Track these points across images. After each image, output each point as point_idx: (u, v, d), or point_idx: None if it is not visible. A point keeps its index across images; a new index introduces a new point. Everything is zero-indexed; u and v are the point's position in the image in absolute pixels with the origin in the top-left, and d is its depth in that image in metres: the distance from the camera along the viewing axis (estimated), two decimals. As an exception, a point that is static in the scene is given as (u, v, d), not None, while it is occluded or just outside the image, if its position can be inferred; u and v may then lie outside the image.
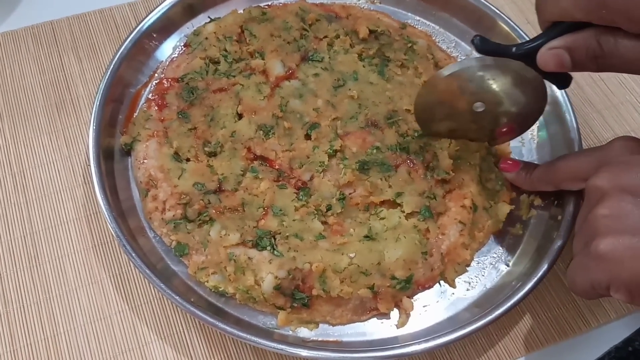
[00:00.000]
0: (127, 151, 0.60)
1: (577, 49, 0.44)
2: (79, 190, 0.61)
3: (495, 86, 0.51)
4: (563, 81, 0.51)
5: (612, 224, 0.42)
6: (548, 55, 0.46)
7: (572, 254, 0.47)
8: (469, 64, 0.50)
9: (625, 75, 0.72)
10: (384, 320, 0.54)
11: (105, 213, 0.54)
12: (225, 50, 0.65)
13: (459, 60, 0.69)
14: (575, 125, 0.61)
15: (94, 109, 0.59)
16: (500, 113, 0.54)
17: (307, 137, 0.60)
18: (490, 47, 0.49)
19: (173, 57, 0.67)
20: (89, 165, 0.56)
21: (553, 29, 0.46)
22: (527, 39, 0.49)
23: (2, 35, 0.70)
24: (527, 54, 0.48)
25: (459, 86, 0.52)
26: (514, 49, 0.49)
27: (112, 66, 0.62)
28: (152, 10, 0.66)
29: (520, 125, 0.57)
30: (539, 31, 0.71)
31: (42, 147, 0.63)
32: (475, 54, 0.51)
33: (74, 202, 0.60)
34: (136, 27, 0.64)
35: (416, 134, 0.61)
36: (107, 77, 0.61)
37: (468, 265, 0.57)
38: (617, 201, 0.42)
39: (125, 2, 0.73)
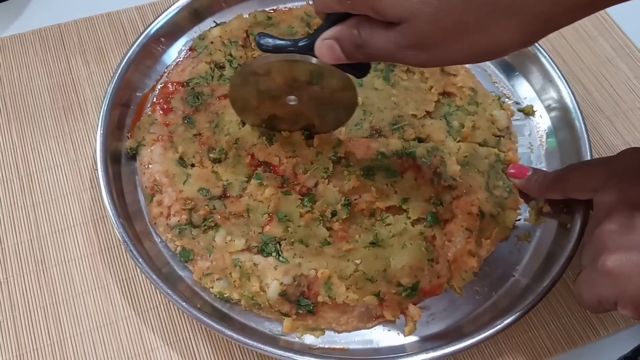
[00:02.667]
0: (133, 155, 0.60)
1: (343, 38, 0.44)
2: (86, 194, 0.61)
3: (298, 79, 0.51)
4: (360, 70, 0.49)
5: (619, 239, 0.42)
6: (321, 47, 0.45)
7: (580, 267, 0.46)
8: (267, 59, 0.50)
9: (634, 81, 0.72)
10: (390, 328, 0.54)
11: (113, 218, 0.54)
12: (231, 55, 0.65)
13: (466, 65, 0.69)
14: (584, 132, 0.61)
15: (101, 113, 0.59)
16: (314, 104, 0.55)
17: (310, 143, 0.60)
18: (269, 45, 0.49)
19: (178, 61, 0.67)
20: (96, 169, 0.56)
21: (327, 19, 0.45)
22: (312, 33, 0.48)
23: (10, 39, 0.70)
24: (308, 47, 0.47)
25: (265, 80, 0.52)
26: (298, 43, 0.48)
27: (119, 70, 0.62)
28: (160, 15, 0.66)
29: (339, 115, 0.57)
30: (550, 37, 0.71)
31: (49, 151, 0.64)
32: None
33: (81, 206, 0.60)
34: (144, 31, 0.64)
35: (419, 140, 0.61)
36: (114, 80, 0.61)
37: (475, 273, 0.57)
38: (625, 216, 0.42)
39: (133, 5, 0.73)
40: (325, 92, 0.53)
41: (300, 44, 0.48)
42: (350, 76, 0.50)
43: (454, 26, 0.38)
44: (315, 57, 0.47)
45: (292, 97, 0.54)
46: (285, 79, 0.52)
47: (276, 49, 0.49)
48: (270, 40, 0.49)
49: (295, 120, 0.58)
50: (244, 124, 0.61)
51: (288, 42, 0.49)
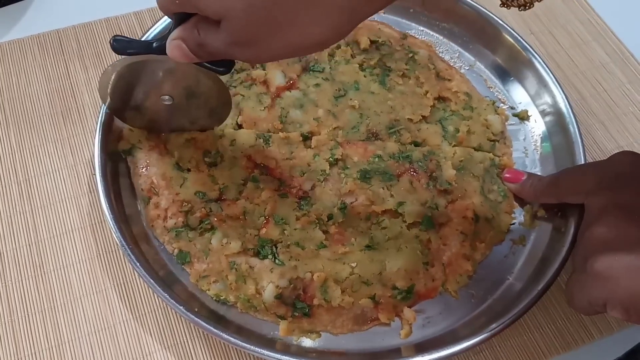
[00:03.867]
0: (130, 158, 0.61)
1: (187, 38, 0.44)
2: (84, 198, 0.61)
3: (167, 80, 0.52)
4: (222, 66, 0.48)
5: (608, 241, 0.42)
6: (170, 47, 0.45)
7: (572, 269, 0.47)
8: (128, 61, 0.50)
9: (628, 86, 0.72)
10: (386, 331, 0.54)
11: (111, 222, 0.54)
12: (228, 60, 0.66)
13: (461, 70, 0.69)
14: (578, 136, 0.61)
15: (99, 118, 0.59)
16: (190, 104, 0.55)
17: (307, 145, 0.60)
18: (127, 49, 0.48)
19: (176, 67, 0.67)
20: (94, 174, 0.57)
21: (174, 20, 0.45)
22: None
23: (9, 44, 0.71)
24: (162, 48, 0.46)
25: (133, 81, 0.52)
26: (150, 45, 0.48)
27: (117, 75, 0.62)
28: (158, 20, 0.66)
29: (219, 112, 0.58)
30: (543, 42, 0.71)
31: (47, 155, 0.64)
32: None
33: (79, 211, 0.61)
34: (142, 37, 0.65)
35: (415, 144, 0.61)
36: (112, 86, 0.61)
37: (470, 276, 0.57)
38: (614, 219, 0.43)
39: (131, 11, 0.74)
40: (195, 89, 0.53)
41: (154, 46, 0.47)
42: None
43: (266, 22, 0.38)
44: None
45: (166, 96, 0.54)
46: (150, 79, 0.52)
47: (131, 52, 0.48)
48: (124, 42, 0.48)
49: (178, 119, 0.58)
50: (239, 126, 0.61)
51: (142, 44, 0.48)
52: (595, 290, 0.43)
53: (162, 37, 0.47)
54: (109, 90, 0.55)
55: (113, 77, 0.52)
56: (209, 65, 0.48)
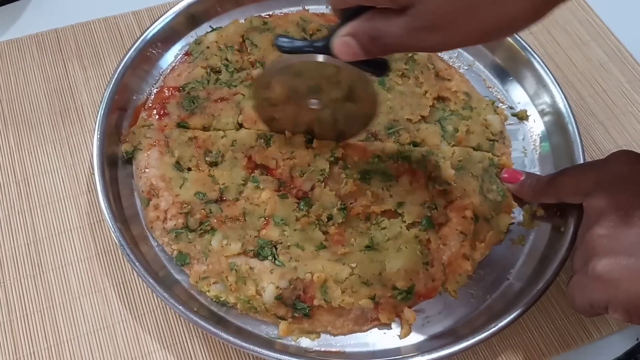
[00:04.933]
0: (129, 159, 0.61)
1: (359, 33, 0.44)
2: (83, 198, 0.61)
3: (319, 81, 0.51)
4: (378, 68, 0.49)
5: (609, 244, 0.42)
6: (338, 44, 0.45)
7: (572, 271, 0.47)
8: (286, 62, 0.50)
9: (627, 86, 0.72)
10: (386, 331, 0.54)
11: (109, 222, 0.54)
12: (227, 60, 0.65)
13: (460, 70, 0.69)
14: (577, 136, 0.61)
15: (98, 117, 0.59)
16: (336, 107, 0.55)
17: (308, 145, 0.60)
18: (292, 46, 0.49)
19: (174, 66, 0.67)
20: (93, 173, 0.57)
21: (343, 16, 0.45)
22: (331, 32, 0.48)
23: (7, 43, 0.71)
24: (326, 47, 0.47)
25: (285, 84, 0.52)
26: (315, 44, 0.48)
27: (116, 74, 0.62)
28: (156, 20, 0.66)
29: (361, 118, 0.57)
30: (542, 41, 0.71)
31: (46, 155, 0.64)
32: None
33: (78, 210, 0.61)
34: (140, 36, 0.65)
35: (414, 144, 0.61)
36: (111, 85, 0.61)
37: (469, 276, 0.57)
38: (614, 221, 0.43)
39: (129, 10, 0.74)
40: (346, 93, 0.52)
41: (317, 44, 0.48)
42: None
43: (464, 2, 0.37)
44: (334, 56, 0.46)
45: (314, 100, 0.53)
46: (305, 81, 0.51)
47: (294, 50, 0.49)
48: (287, 41, 0.49)
49: (318, 125, 0.58)
50: (240, 125, 0.61)
51: (305, 43, 0.49)
52: (596, 292, 0.43)
53: (323, 37, 0.47)
54: (259, 91, 0.54)
55: (268, 77, 0.52)
56: (366, 67, 0.48)
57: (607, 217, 0.43)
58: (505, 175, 0.59)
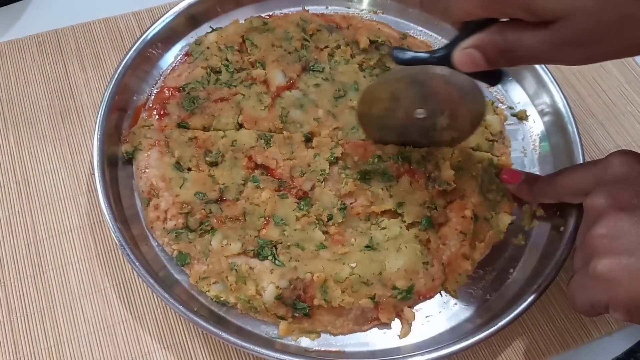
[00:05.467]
0: (130, 159, 0.61)
1: (486, 46, 0.44)
2: (83, 198, 0.61)
3: (430, 92, 0.52)
4: (493, 78, 0.50)
5: (609, 244, 0.42)
6: (461, 56, 0.46)
7: (573, 271, 0.47)
8: (399, 73, 0.50)
9: (626, 86, 0.73)
10: (386, 331, 0.54)
11: (110, 222, 0.54)
12: (227, 60, 0.66)
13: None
14: (577, 136, 0.61)
15: (98, 118, 0.59)
16: (441, 117, 0.55)
17: (308, 145, 0.60)
18: (409, 57, 0.50)
19: (174, 66, 0.67)
20: (93, 173, 0.57)
21: (465, 29, 0.46)
22: (444, 45, 0.49)
23: (7, 44, 0.71)
24: (445, 57, 0.48)
25: (395, 95, 0.53)
26: (432, 55, 0.49)
27: (116, 75, 0.62)
28: (157, 20, 0.66)
29: (465, 127, 0.57)
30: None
31: (46, 156, 0.64)
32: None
33: (78, 211, 0.61)
34: (141, 37, 0.65)
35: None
36: (111, 85, 0.61)
37: (469, 276, 0.57)
38: (614, 220, 0.43)
39: (129, 11, 0.74)
40: (455, 104, 0.53)
41: (437, 55, 0.48)
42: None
43: (619, 19, 0.37)
44: (451, 67, 0.47)
45: (421, 110, 0.54)
46: (418, 91, 0.52)
47: (413, 61, 0.50)
48: (407, 53, 0.50)
49: (420, 134, 0.58)
50: (240, 125, 0.61)
51: (425, 54, 0.49)
52: (597, 292, 0.43)
53: (439, 49, 0.48)
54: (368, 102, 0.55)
55: (378, 89, 0.53)
56: (481, 77, 0.49)
57: (607, 217, 0.43)
58: (505, 176, 0.59)
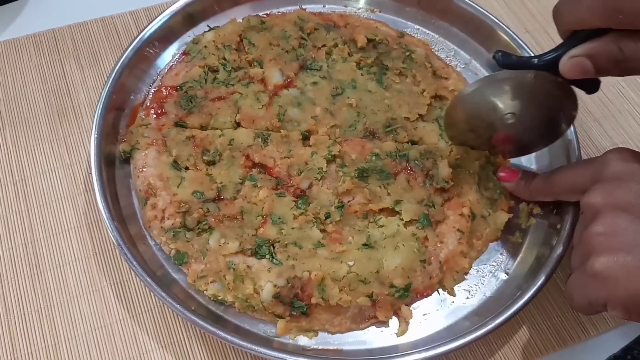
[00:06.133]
0: (127, 159, 0.61)
1: (599, 55, 0.45)
2: (80, 197, 0.61)
3: (523, 97, 0.52)
4: (591, 86, 0.51)
5: (606, 241, 0.42)
6: (570, 64, 0.46)
7: (570, 269, 0.47)
8: (494, 77, 0.51)
9: (623, 84, 0.73)
10: (383, 329, 0.54)
11: (107, 221, 0.54)
12: (224, 59, 0.66)
13: (457, 69, 0.70)
14: (573, 134, 0.61)
15: (95, 117, 0.59)
16: (531, 123, 0.55)
17: (306, 143, 0.61)
18: (512, 61, 0.50)
19: (172, 65, 0.67)
20: (91, 173, 0.57)
21: (573, 37, 0.47)
22: (548, 50, 0.49)
23: (5, 44, 0.71)
24: (549, 64, 0.48)
25: (488, 100, 0.52)
26: (535, 60, 0.49)
27: (113, 74, 0.62)
28: (154, 19, 0.66)
29: (553, 133, 0.57)
30: (539, 40, 0.71)
31: (43, 155, 0.64)
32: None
33: (75, 210, 0.61)
34: (138, 36, 0.65)
35: (412, 143, 0.61)
36: (108, 85, 0.61)
37: (467, 274, 0.57)
38: (611, 218, 0.43)
39: (126, 10, 0.74)
40: (548, 109, 0.53)
41: (545, 59, 0.49)
42: None
43: None
44: (555, 73, 0.48)
45: (509, 114, 0.53)
46: (514, 96, 0.52)
47: (518, 65, 0.50)
48: (512, 56, 0.50)
49: (504, 139, 0.58)
50: (238, 124, 0.61)
51: (530, 59, 0.50)
52: (595, 290, 0.43)
53: (545, 54, 0.49)
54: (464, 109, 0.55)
55: (474, 95, 0.53)
56: (580, 85, 0.49)
57: (604, 214, 0.43)
58: (502, 174, 0.59)
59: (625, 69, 0.44)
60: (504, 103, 0.53)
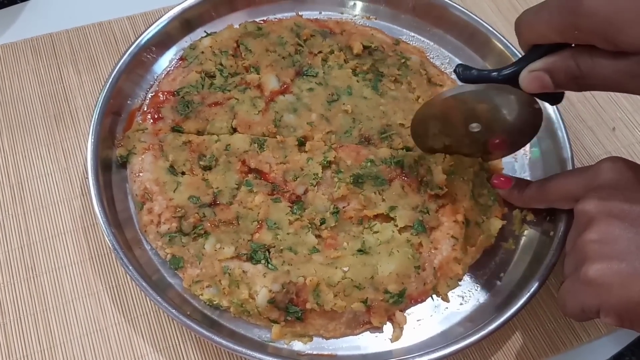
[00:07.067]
0: (124, 163, 0.61)
1: (556, 70, 0.45)
2: (77, 201, 0.62)
3: (491, 108, 0.52)
4: (554, 98, 0.52)
5: (600, 249, 0.43)
6: (529, 78, 0.47)
7: (563, 276, 0.47)
8: (466, 88, 0.51)
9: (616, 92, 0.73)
10: (378, 334, 0.55)
11: (103, 225, 0.54)
12: (221, 65, 0.66)
13: (451, 76, 0.70)
14: (567, 141, 0.62)
15: (92, 122, 0.60)
16: (494, 132, 0.55)
17: (301, 149, 0.61)
18: (473, 75, 0.51)
19: (169, 70, 0.67)
20: (87, 177, 0.57)
21: (533, 51, 0.47)
22: (509, 64, 0.50)
23: (2, 48, 0.71)
24: (509, 77, 0.49)
25: (456, 108, 0.53)
26: (495, 74, 0.50)
27: (110, 79, 0.62)
28: (151, 25, 0.67)
29: (516, 142, 0.58)
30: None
31: (40, 159, 0.64)
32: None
33: (72, 214, 0.61)
34: (135, 41, 0.65)
35: (407, 149, 0.62)
36: (105, 89, 0.62)
37: (460, 280, 0.58)
38: (605, 226, 0.43)
39: (124, 15, 0.74)
40: (512, 119, 0.53)
41: (504, 73, 0.49)
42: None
43: None
44: (515, 86, 0.48)
45: (475, 124, 0.54)
46: (470, 107, 0.52)
47: (478, 79, 0.50)
48: (472, 71, 0.51)
49: (467, 145, 0.59)
50: (234, 130, 0.62)
51: (490, 73, 0.50)
52: (588, 297, 0.43)
53: (504, 68, 0.49)
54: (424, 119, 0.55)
55: (437, 104, 0.53)
56: (543, 97, 0.50)
57: (598, 222, 0.44)
58: (496, 181, 0.60)
59: (582, 85, 0.45)
60: (464, 114, 0.53)
